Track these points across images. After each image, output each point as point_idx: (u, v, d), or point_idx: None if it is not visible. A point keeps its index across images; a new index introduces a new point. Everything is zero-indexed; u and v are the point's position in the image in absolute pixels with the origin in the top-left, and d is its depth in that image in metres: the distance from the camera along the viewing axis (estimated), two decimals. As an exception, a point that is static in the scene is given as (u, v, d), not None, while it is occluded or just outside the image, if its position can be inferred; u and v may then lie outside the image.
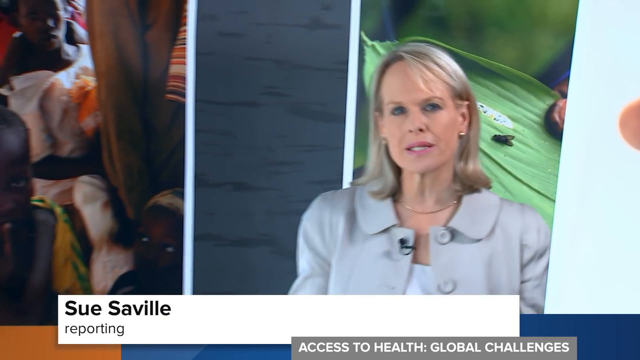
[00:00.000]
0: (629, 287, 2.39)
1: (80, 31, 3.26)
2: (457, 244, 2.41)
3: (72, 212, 3.26)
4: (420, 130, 2.35)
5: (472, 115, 2.48)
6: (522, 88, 3.43)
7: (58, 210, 3.24)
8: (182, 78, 3.34)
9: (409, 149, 2.37)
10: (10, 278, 3.18)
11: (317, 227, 2.53)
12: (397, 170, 2.46)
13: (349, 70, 3.44)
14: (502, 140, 3.42)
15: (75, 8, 3.25)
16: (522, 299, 2.42)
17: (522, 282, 2.44)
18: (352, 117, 3.47)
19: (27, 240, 3.20)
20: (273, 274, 3.10)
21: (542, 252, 2.46)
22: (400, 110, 2.37)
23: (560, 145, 2.55)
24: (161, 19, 3.32)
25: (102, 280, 3.27)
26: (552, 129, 3.38)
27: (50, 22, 3.23)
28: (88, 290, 3.25)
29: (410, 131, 2.35)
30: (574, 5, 2.54)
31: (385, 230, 2.45)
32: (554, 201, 3.28)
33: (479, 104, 3.40)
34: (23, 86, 3.20)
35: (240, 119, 3.94)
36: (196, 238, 3.35)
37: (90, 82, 3.27)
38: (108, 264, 3.29)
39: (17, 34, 3.20)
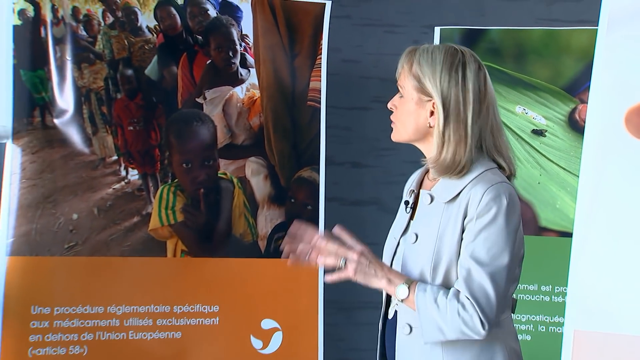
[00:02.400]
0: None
1: (250, 59, 3.31)
2: (434, 205, 2.14)
3: (244, 182, 3.28)
4: (391, 109, 2.17)
5: (445, 114, 2.09)
6: (553, 96, 3.51)
7: (235, 180, 3.27)
8: (318, 91, 3.38)
9: None
10: (204, 226, 3.20)
11: (404, 190, 2.34)
12: None
13: None
14: (538, 132, 3.48)
15: (247, 44, 3.31)
16: (459, 257, 2.09)
17: (461, 241, 2.07)
18: None
19: (215, 200, 3.22)
20: (379, 225, 3.18)
21: (477, 219, 2.05)
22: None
23: (581, 137, 2.56)
24: (304, 50, 3.38)
25: (264, 228, 3.28)
26: (574, 125, 3.44)
27: (230, 53, 3.28)
28: (255, 234, 3.28)
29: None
30: (591, 38, 2.56)
31: (409, 194, 2.23)
32: (576, 175, 3.32)
33: (522, 107, 3.46)
34: (212, 97, 3.25)
35: (356, 118, 3.98)
36: (327, 200, 3.37)
37: (256, 93, 3.32)
38: (268, 217, 3.28)
39: (208, 61, 3.26)
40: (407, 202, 2.21)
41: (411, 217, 2.20)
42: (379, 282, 2.07)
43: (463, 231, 2.07)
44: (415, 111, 2.14)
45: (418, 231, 2.13)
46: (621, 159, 2.38)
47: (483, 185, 2.06)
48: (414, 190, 2.22)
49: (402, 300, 2.07)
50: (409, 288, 2.04)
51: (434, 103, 2.11)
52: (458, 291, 2.03)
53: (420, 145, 2.18)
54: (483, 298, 2.03)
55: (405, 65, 2.14)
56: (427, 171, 2.23)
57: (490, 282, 2.03)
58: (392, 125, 2.18)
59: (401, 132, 2.18)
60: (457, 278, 2.05)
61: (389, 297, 2.19)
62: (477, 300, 2.03)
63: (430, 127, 2.13)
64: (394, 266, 2.15)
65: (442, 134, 2.11)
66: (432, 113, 2.12)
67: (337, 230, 2.10)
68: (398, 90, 2.15)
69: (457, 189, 2.09)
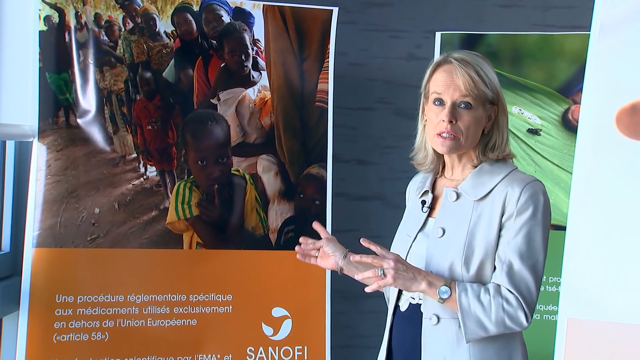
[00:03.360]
0: (633, 243, 2.26)
1: (262, 62, 3.30)
2: (461, 202, 2.14)
3: (256, 178, 3.26)
4: (451, 121, 2.09)
5: (498, 117, 2.18)
6: (547, 97, 3.50)
7: (247, 176, 3.25)
8: (326, 92, 3.36)
9: (439, 134, 2.12)
10: (218, 219, 3.19)
11: (406, 194, 2.39)
12: None
13: None
14: (533, 132, 3.47)
15: (259, 47, 3.29)
16: (497, 251, 2.10)
17: (500, 236, 2.10)
18: None
19: (229, 196, 3.22)
20: (383, 219, 3.17)
21: (518, 214, 2.09)
22: (440, 102, 2.12)
23: (574, 136, 2.53)
24: (312, 54, 3.36)
25: (275, 221, 3.26)
26: (567, 124, 3.43)
27: (243, 57, 3.27)
28: (266, 227, 3.26)
29: (443, 120, 2.10)
30: (584, 42, 2.54)
31: (423, 194, 2.23)
32: (569, 172, 3.31)
33: (518, 107, 3.45)
34: (226, 98, 3.24)
35: (362, 118, 3.97)
36: (334, 195, 3.35)
37: (268, 95, 3.31)
38: (278, 211, 3.28)
39: (222, 64, 3.25)
40: (424, 202, 2.20)
41: (429, 215, 2.19)
42: (418, 286, 2.04)
43: (500, 227, 2.08)
44: (482, 120, 2.15)
45: (445, 226, 2.12)
46: (612, 157, 2.34)
47: (519, 183, 2.10)
48: (427, 191, 2.21)
49: (443, 301, 2.04)
50: (450, 288, 2.03)
51: (496, 108, 2.16)
52: (499, 286, 2.06)
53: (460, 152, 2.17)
54: (526, 291, 2.07)
55: (465, 75, 2.10)
56: (437, 173, 2.24)
57: (532, 276, 2.07)
58: (449, 139, 2.11)
59: (466, 145, 2.14)
60: (493, 272, 2.07)
61: (400, 291, 2.17)
62: (521, 293, 2.06)
63: (484, 131, 2.16)
64: (409, 261, 2.12)
65: (501, 135, 2.18)
66: (489, 118, 2.16)
67: (364, 242, 2.05)
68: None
69: (488, 187, 2.11)
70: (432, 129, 2.15)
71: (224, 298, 3.16)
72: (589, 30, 2.53)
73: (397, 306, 2.18)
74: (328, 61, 3.35)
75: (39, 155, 2.97)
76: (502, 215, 2.08)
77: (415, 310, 2.12)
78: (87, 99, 3.05)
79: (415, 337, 2.10)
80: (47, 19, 3.00)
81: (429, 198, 2.20)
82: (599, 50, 2.42)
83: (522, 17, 3.90)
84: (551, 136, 3.45)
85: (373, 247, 2.06)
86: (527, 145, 3.47)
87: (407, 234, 2.19)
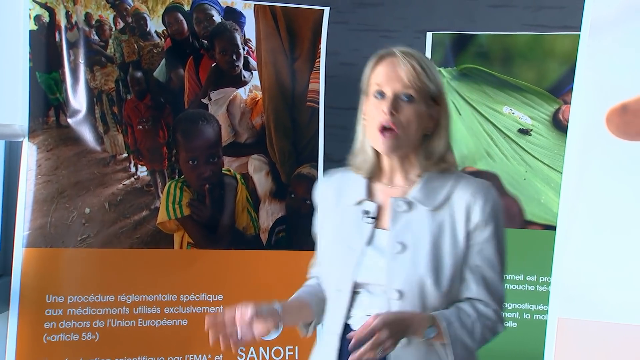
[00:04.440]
0: (622, 242, 2.32)
1: (253, 62, 3.30)
2: (413, 212, 1.98)
3: (247, 178, 3.26)
4: (392, 113, 1.94)
5: (441, 119, 2.03)
6: (538, 97, 3.49)
7: (238, 176, 3.25)
8: (317, 92, 3.36)
9: (380, 131, 1.95)
10: (209, 219, 3.19)
11: (319, 198, 2.17)
12: (376, 150, 2.04)
13: None
14: (524, 131, 3.47)
15: (250, 47, 3.29)
16: (466, 262, 1.98)
17: (468, 247, 1.98)
18: None
19: (219, 195, 3.21)
20: None
21: (486, 222, 1.98)
22: (381, 94, 1.97)
23: (565, 135, 2.55)
24: (304, 54, 3.36)
25: (266, 221, 3.25)
26: (558, 124, 3.42)
27: (234, 57, 3.27)
28: (257, 227, 3.25)
29: (384, 111, 1.94)
30: (574, 43, 2.55)
31: (359, 203, 2.03)
32: (559, 172, 3.31)
33: (509, 107, 3.45)
34: (217, 97, 3.24)
35: (353, 118, 3.91)
36: None
37: (259, 94, 3.31)
38: (269, 211, 3.27)
39: (213, 64, 3.25)
40: (366, 212, 2.01)
41: (375, 226, 2.01)
42: (414, 334, 1.88)
43: (467, 238, 1.97)
44: (424, 117, 1.99)
45: (403, 240, 1.96)
46: (602, 157, 2.37)
47: (480, 190, 1.99)
48: (365, 199, 2.02)
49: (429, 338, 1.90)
50: (435, 326, 1.89)
51: (439, 109, 2.02)
52: (477, 302, 1.98)
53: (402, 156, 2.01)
54: (500, 301, 2.03)
55: (408, 66, 1.96)
56: (370, 178, 2.06)
57: (502, 284, 2.02)
58: (390, 135, 1.95)
59: (406, 142, 1.97)
60: (465, 284, 1.97)
61: (349, 309, 1.99)
62: (498, 304, 2.01)
63: (425, 134, 2.00)
64: (363, 278, 1.96)
65: (442, 140, 2.02)
66: (431, 118, 2.01)
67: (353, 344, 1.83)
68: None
69: (443, 195, 1.99)
70: (372, 124, 1.99)
71: (215, 298, 3.16)
72: (580, 31, 2.54)
73: (346, 326, 2.00)
74: (319, 61, 3.36)
75: (29, 155, 2.96)
76: (467, 224, 1.97)
77: None
78: (78, 99, 3.05)
79: None
80: (37, 19, 2.99)
81: (372, 207, 2.02)
82: (589, 51, 2.44)
83: (513, 17, 3.90)
84: (542, 136, 3.45)
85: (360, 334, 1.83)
86: (518, 145, 3.47)
87: (349, 246, 2.00)
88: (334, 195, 2.10)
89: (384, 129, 1.95)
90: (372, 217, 2.01)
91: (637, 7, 2.33)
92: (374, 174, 2.06)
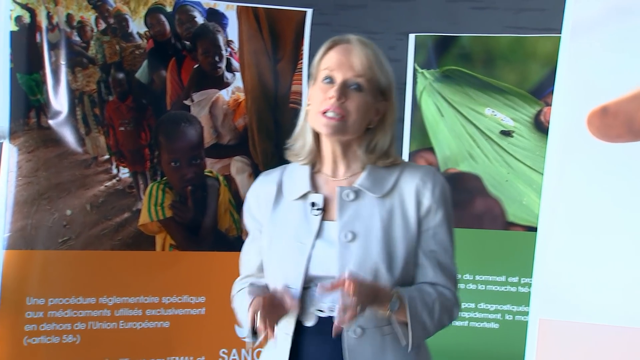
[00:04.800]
0: (602, 243, 2.33)
1: (235, 64, 3.29)
2: (361, 201, 1.95)
3: (229, 180, 3.25)
4: (339, 98, 1.89)
5: (387, 115, 1.99)
6: (520, 99, 3.50)
7: (221, 178, 3.25)
8: (300, 93, 3.35)
9: (324, 112, 1.90)
10: (191, 221, 3.18)
11: (255, 198, 2.09)
12: (317, 137, 2.00)
13: (406, 89, 3.48)
14: (506, 133, 3.48)
15: (232, 49, 3.28)
16: (420, 247, 1.96)
17: (421, 232, 1.96)
18: (408, 118, 3.52)
19: (202, 197, 3.20)
20: None
21: (437, 206, 1.97)
22: (329, 79, 1.92)
23: (546, 137, 2.56)
24: (286, 55, 3.36)
25: None
26: (540, 126, 3.44)
27: (217, 58, 3.25)
28: (239, 229, 3.21)
29: (331, 97, 1.89)
30: (556, 45, 2.56)
31: (303, 196, 1.99)
32: (541, 173, 3.32)
33: (491, 109, 3.47)
34: (199, 99, 3.23)
35: None
36: None
37: (241, 96, 3.30)
38: None
39: (196, 66, 3.23)
40: (314, 204, 1.97)
41: (322, 218, 1.97)
42: (380, 304, 1.85)
43: (419, 222, 1.95)
44: (370, 109, 1.95)
45: (354, 229, 1.93)
46: (583, 158, 2.38)
47: (427, 174, 1.98)
48: (310, 191, 1.98)
49: (390, 313, 1.87)
50: (399, 298, 1.87)
51: (386, 104, 1.97)
52: (434, 284, 1.96)
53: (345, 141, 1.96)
54: (455, 282, 2.02)
55: (362, 54, 1.92)
56: (312, 170, 2.02)
57: (455, 267, 2.01)
58: (334, 120, 1.89)
59: (351, 130, 1.93)
60: (422, 269, 1.96)
61: (303, 306, 1.94)
62: (454, 286, 2.00)
63: (369, 127, 1.96)
64: (315, 271, 1.93)
65: (386, 136, 1.98)
66: (377, 112, 1.96)
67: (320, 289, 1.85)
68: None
69: (391, 182, 1.97)
70: (316, 107, 1.94)
71: (197, 300, 3.16)
72: (561, 33, 2.55)
73: (298, 324, 1.95)
74: (302, 62, 3.35)
75: (10, 157, 2.94)
76: (418, 209, 1.96)
77: (327, 324, 1.89)
78: (59, 100, 3.03)
79: (334, 355, 1.91)
80: (18, 20, 2.97)
81: (319, 199, 1.98)
82: (570, 53, 2.45)
83: (495, 19, 3.92)
84: (523, 138, 3.47)
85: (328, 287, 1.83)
86: (500, 147, 3.49)
87: (299, 241, 1.96)
88: (276, 192, 2.04)
89: (329, 114, 1.90)
90: (320, 209, 1.96)
91: (618, 9, 2.35)
92: (316, 164, 2.02)
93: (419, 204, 1.96)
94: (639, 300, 2.19)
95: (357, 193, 1.96)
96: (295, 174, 2.04)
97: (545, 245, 2.41)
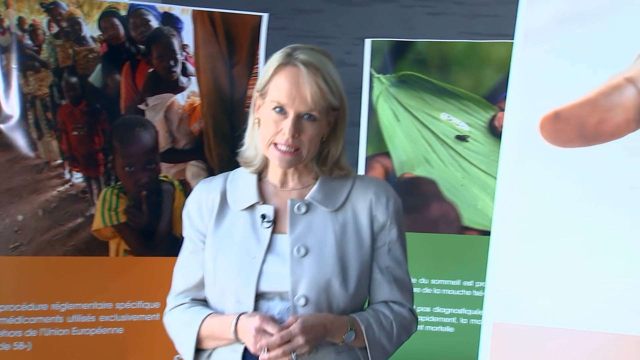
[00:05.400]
0: (555, 247, 2.30)
1: (191, 68, 3.26)
2: (313, 214, 1.92)
3: (184, 184, 3.22)
4: (293, 136, 1.87)
5: (338, 123, 1.97)
6: (475, 104, 3.52)
7: (176, 183, 3.23)
8: (255, 98, 3.35)
9: (277, 146, 1.89)
10: (146, 226, 3.16)
11: (196, 207, 2.04)
12: None
13: (362, 93, 3.48)
14: (461, 138, 3.50)
15: (188, 53, 3.25)
16: (375, 263, 1.95)
17: (375, 248, 1.95)
18: (365, 123, 3.51)
19: (157, 202, 3.18)
20: None
21: (392, 222, 1.97)
22: (281, 109, 1.88)
23: (500, 142, 2.57)
24: (242, 59, 3.33)
25: None
26: (494, 131, 3.47)
27: (172, 62, 3.23)
28: (195, 235, 3.24)
29: (284, 134, 1.88)
30: (509, 51, 2.57)
31: (250, 207, 1.96)
32: (495, 178, 3.34)
33: (446, 114, 3.48)
34: (154, 103, 3.20)
35: None
36: None
37: (197, 100, 3.27)
38: None
39: (150, 70, 3.20)
40: (264, 216, 1.94)
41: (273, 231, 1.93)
42: (333, 338, 1.86)
43: (373, 237, 1.95)
44: (324, 128, 1.94)
45: (307, 243, 1.90)
46: (536, 163, 2.38)
47: (381, 189, 1.98)
48: (258, 202, 1.95)
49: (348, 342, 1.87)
50: (354, 330, 1.88)
51: (337, 113, 1.96)
52: (392, 303, 1.97)
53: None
54: (412, 297, 2.03)
55: (313, 85, 1.86)
56: (259, 181, 1.99)
57: (410, 280, 2.03)
58: (289, 154, 1.88)
59: (307, 157, 1.92)
60: (378, 286, 1.95)
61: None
62: (410, 302, 2.01)
63: (322, 139, 1.95)
64: (266, 287, 1.88)
65: (337, 143, 1.98)
66: (329, 124, 1.95)
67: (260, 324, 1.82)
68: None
69: (343, 195, 1.95)
70: (268, 136, 1.91)
71: (152, 305, 3.13)
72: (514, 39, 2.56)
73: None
74: (257, 67, 3.33)
75: (-39, 161, 2.90)
76: (372, 224, 1.94)
77: None
78: (10, 104, 2.98)
79: None
80: (-32, 23, 2.93)
81: (269, 210, 1.94)
82: (523, 59, 2.45)
83: (450, 25, 3.95)
84: (478, 143, 3.48)
85: (269, 329, 1.80)
86: (455, 152, 3.50)
87: (249, 255, 1.91)
88: (220, 202, 1.99)
89: (282, 147, 1.89)
90: (270, 222, 1.93)
91: (569, 16, 2.36)
92: (263, 172, 2.00)
93: (373, 218, 1.95)
94: (591, 303, 2.20)
95: (309, 206, 1.94)
96: (241, 183, 2.00)
97: (498, 249, 2.41)
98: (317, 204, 1.94)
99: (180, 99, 3.25)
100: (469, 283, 3.42)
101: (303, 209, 1.93)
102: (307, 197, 1.94)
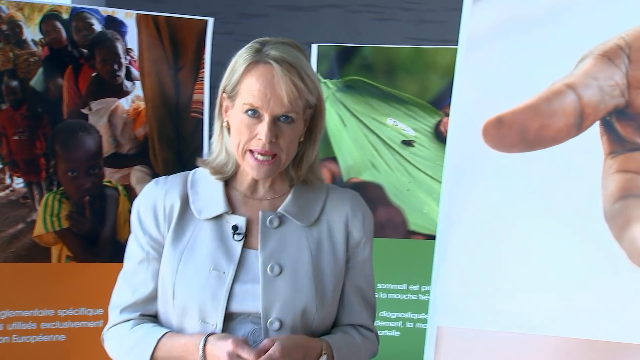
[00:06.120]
0: (497, 251, 2.32)
1: (135, 72, 3.24)
2: (286, 228, 1.77)
3: (129, 190, 3.20)
4: (270, 141, 1.71)
5: (314, 122, 1.81)
6: (420, 109, 3.53)
7: (120, 188, 3.20)
8: (201, 102, 3.31)
9: (252, 152, 1.74)
10: (89, 231, 3.12)
11: (150, 211, 1.83)
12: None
13: None
14: (407, 143, 3.51)
15: (132, 57, 3.23)
16: (347, 282, 1.84)
17: (349, 267, 1.84)
18: None
19: (100, 207, 3.15)
20: None
21: (366, 239, 1.87)
22: (254, 112, 1.72)
23: (445, 147, 2.59)
24: (188, 64, 3.31)
25: None
26: (439, 136, 3.48)
27: (116, 66, 3.20)
28: (140, 240, 3.21)
29: (260, 139, 1.71)
30: (453, 57, 2.60)
31: (218, 216, 1.78)
32: (441, 182, 3.37)
33: (393, 119, 3.49)
34: (97, 108, 3.17)
35: None
36: None
37: (141, 105, 3.25)
38: None
39: (94, 74, 3.17)
40: (235, 227, 1.77)
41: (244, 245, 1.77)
42: None
43: (348, 254, 1.84)
44: (301, 129, 1.79)
45: (281, 261, 1.75)
46: (479, 168, 2.41)
47: (356, 203, 1.87)
48: (227, 212, 1.77)
49: None
50: (327, 354, 1.77)
51: (313, 110, 1.81)
52: (361, 326, 1.89)
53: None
54: (374, 317, 1.96)
55: (290, 85, 1.70)
56: (226, 187, 1.81)
57: (375, 299, 1.95)
58: (267, 162, 1.73)
59: (286, 163, 1.77)
60: (350, 308, 1.85)
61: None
62: (374, 320, 1.95)
63: (299, 141, 1.80)
64: (237, 307, 1.74)
65: (313, 145, 1.83)
66: (305, 123, 1.81)
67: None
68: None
69: (317, 209, 1.82)
70: (242, 142, 1.75)
71: (95, 312, 3.10)
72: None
73: None
74: (203, 71, 3.33)
75: None
76: (347, 241, 1.83)
77: None
78: (-52, 108, 2.94)
79: None
80: None
81: (241, 222, 1.77)
82: (466, 65, 2.48)
83: (397, 30, 3.98)
84: (424, 148, 3.51)
85: (244, 355, 1.66)
86: (402, 157, 3.52)
87: (216, 270, 1.74)
88: (180, 208, 1.80)
89: (260, 155, 1.73)
90: (242, 234, 1.76)
91: (511, 23, 2.39)
92: (232, 181, 1.83)
93: (349, 234, 1.84)
94: (535, 306, 2.23)
95: (282, 219, 1.79)
96: (205, 189, 1.82)
97: (443, 253, 2.43)
98: (290, 218, 1.79)
99: (125, 104, 3.22)
100: (415, 287, 3.44)
101: (275, 223, 1.78)
102: (280, 210, 1.80)
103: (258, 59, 1.75)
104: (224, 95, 1.82)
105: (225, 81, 1.83)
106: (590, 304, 2.08)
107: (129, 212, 3.13)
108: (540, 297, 2.18)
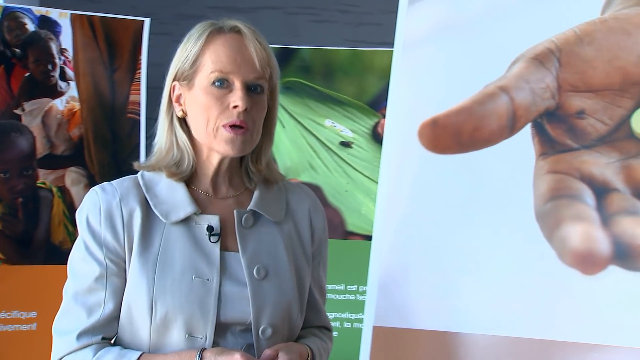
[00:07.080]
0: (432, 251, 2.32)
1: (70, 72, 3.21)
2: (260, 227, 1.63)
3: (64, 191, 3.18)
4: (245, 109, 1.55)
5: (271, 114, 1.66)
6: (358, 111, 3.55)
7: (54, 189, 3.17)
8: (138, 104, 3.32)
9: (228, 126, 1.56)
10: (22, 234, 3.08)
11: (105, 220, 1.59)
12: (193, 148, 1.63)
13: None
14: (345, 144, 3.53)
15: (67, 57, 3.20)
16: (313, 280, 1.73)
17: (315, 264, 1.73)
18: None
19: (34, 209, 3.11)
20: None
21: (326, 234, 1.75)
22: (223, 82, 1.56)
23: (381, 147, 2.61)
24: (124, 64, 3.31)
25: None
26: (377, 137, 3.51)
27: (49, 67, 3.17)
28: (74, 241, 3.16)
29: (235, 107, 1.55)
30: (391, 59, 2.61)
31: (186, 219, 1.59)
32: (376, 182, 3.39)
33: (331, 121, 3.50)
34: (31, 108, 3.14)
35: None
36: None
37: (76, 105, 3.23)
38: None
39: (27, 74, 3.14)
40: (211, 228, 1.60)
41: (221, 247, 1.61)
42: None
43: (313, 252, 1.73)
44: (265, 107, 1.63)
45: (263, 263, 1.61)
46: (415, 169, 2.42)
47: (311, 197, 1.76)
48: (196, 212, 1.60)
49: None
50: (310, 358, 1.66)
51: (269, 97, 1.65)
52: (324, 328, 1.81)
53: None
54: None
55: (259, 48, 1.58)
56: (187, 187, 1.63)
57: None
58: (242, 133, 1.57)
59: (255, 141, 1.62)
60: (317, 309, 1.76)
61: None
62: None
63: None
64: (225, 316, 1.57)
65: (271, 133, 1.68)
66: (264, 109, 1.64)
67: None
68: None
69: (283, 204, 1.69)
70: (213, 119, 1.57)
71: (28, 315, 3.05)
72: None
73: None
74: (140, 72, 3.31)
75: None
76: (312, 236, 1.72)
77: None
78: None
79: None
80: None
81: (215, 221, 1.61)
82: (402, 67, 2.49)
83: (335, 32, 3.98)
84: (362, 149, 3.52)
85: None
86: (340, 158, 3.53)
87: (198, 276, 1.57)
88: (143, 214, 1.60)
89: (234, 127, 1.57)
90: (218, 235, 1.60)
91: (445, 26, 2.41)
92: (191, 182, 1.65)
93: (313, 230, 1.73)
94: (470, 306, 2.24)
95: (255, 217, 1.64)
96: (165, 191, 1.62)
97: (379, 253, 2.44)
98: (263, 215, 1.65)
99: (59, 104, 3.20)
100: (353, 287, 3.45)
101: (250, 222, 1.63)
102: (251, 207, 1.64)
103: (219, 29, 1.64)
104: (175, 83, 1.67)
105: (176, 66, 1.68)
106: (523, 302, 2.10)
107: (64, 213, 3.15)
108: (475, 296, 2.21)
